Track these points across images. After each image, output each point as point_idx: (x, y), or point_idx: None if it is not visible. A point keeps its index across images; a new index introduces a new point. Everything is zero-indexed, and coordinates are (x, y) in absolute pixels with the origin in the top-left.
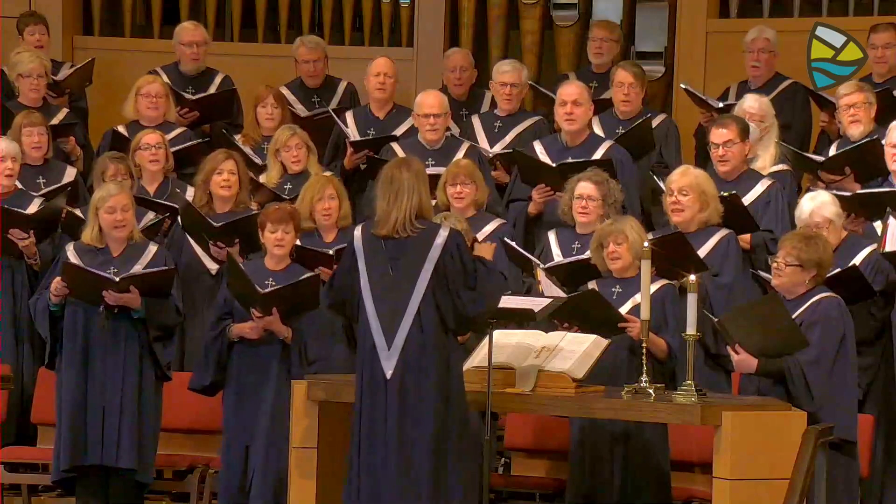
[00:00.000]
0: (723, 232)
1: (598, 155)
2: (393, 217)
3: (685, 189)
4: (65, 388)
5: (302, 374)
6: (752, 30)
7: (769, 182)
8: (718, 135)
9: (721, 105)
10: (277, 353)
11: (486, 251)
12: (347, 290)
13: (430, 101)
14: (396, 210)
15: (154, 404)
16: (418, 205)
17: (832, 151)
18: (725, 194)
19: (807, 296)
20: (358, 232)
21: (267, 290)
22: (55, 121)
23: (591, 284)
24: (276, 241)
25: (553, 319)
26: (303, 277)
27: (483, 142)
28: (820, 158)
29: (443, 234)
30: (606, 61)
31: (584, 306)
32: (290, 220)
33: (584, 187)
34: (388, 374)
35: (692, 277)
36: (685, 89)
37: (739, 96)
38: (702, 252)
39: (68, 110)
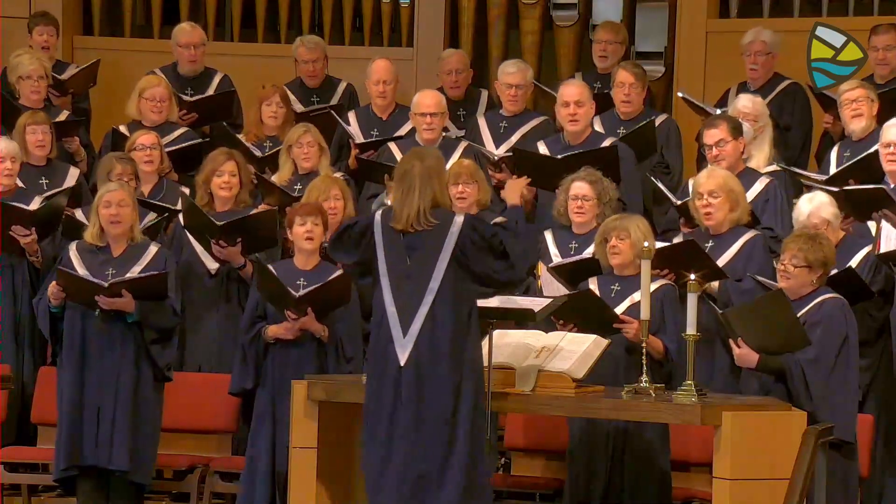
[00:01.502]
0: (750, 234)
1: None
2: (405, 213)
3: (715, 192)
4: (63, 389)
5: (340, 371)
6: (748, 32)
7: (767, 180)
8: (710, 135)
9: (718, 112)
10: (314, 351)
11: (513, 190)
12: (364, 250)
13: (426, 101)
14: (408, 206)
15: (152, 406)
16: (432, 198)
17: (833, 153)
18: None
19: (811, 296)
20: (378, 217)
21: (301, 293)
22: (57, 119)
23: (592, 282)
24: (307, 232)
25: (552, 318)
26: (334, 276)
27: (489, 142)
28: (822, 176)
29: (458, 222)
30: (612, 64)
31: (580, 306)
32: (319, 214)
33: (579, 187)
34: (402, 361)
35: (692, 276)
36: (682, 97)
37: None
38: (728, 254)
39: (69, 112)
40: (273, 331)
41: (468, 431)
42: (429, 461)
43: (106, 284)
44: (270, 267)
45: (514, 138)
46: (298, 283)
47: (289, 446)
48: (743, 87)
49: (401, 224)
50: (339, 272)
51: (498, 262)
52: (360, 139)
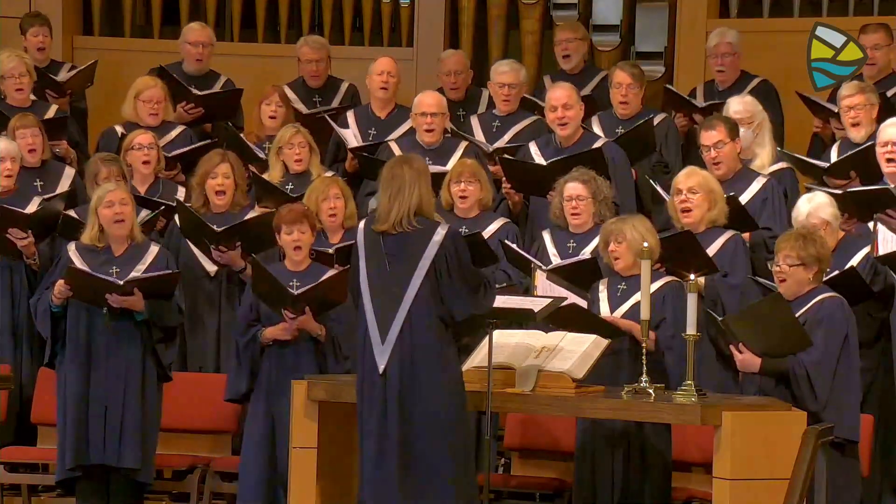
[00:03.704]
0: (729, 233)
1: None
2: (393, 213)
3: (694, 188)
4: (67, 388)
5: (338, 370)
6: (712, 35)
7: (764, 180)
8: (708, 137)
9: (704, 105)
10: (311, 351)
11: None
12: (356, 289)
13: (427, 101)
14: (397, 206)
15: (156, 405)
16: (418, 202)
17: (833, 152)
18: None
19: (810, 295)
20: (360, 227)
21: (299, 291)
22: (46, 117)
23: (602, 283)
24: (294, 241)
25: (549, 323)
26: (330, 274)
27: (482, 142)
28: (824, 164)
29: (441, 232)
30: (577, 62)
31: (570, 318)
32: (305, 220)
33: (574, 188)
34: (381, 368)
35: (692, 277)
36: (668, 88)
37: (706, 96)
38: (709, 252)
39: (58, 107)
40: (270, 332)
41: (451, 444)
42: (417, 468)
43: (121, 282)
44: (266, 268)
45: (507, 136)
46: (291, 284)
47: (289, 447)
48: (709, 87)
49: (385, 225)
50: (334, 271)
51: (468, 294)
52: (356, 140)
